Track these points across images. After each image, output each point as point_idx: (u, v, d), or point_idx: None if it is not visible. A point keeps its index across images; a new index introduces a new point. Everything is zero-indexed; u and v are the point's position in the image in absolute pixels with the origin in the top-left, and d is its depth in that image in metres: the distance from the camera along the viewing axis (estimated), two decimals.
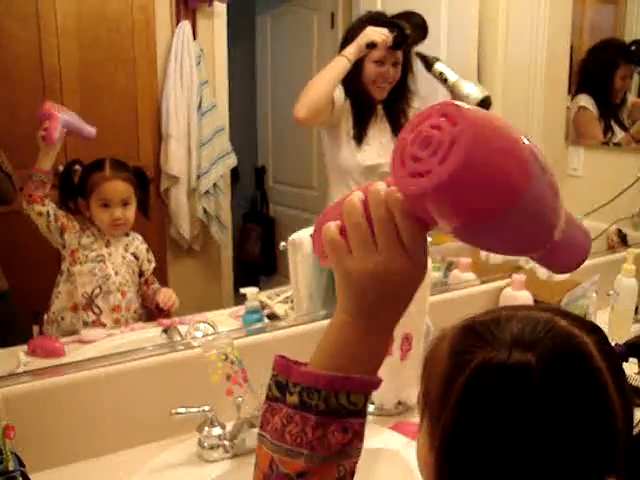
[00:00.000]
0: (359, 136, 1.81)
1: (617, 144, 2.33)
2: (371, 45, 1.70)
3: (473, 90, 1.68)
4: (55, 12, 1.74)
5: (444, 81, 1.71)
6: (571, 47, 2.23)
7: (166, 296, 1.60)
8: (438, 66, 1.72)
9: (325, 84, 1.69)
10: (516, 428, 0.56)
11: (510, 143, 0.50)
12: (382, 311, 0.56)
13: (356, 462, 0.57)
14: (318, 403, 0.53)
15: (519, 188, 0.49)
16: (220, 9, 2.01)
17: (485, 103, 1.68)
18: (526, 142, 0.51)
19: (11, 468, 0.94)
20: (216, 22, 2.02)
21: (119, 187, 1.53)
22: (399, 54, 1.78)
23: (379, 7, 2.18)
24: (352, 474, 0.57)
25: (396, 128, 1.88)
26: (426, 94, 1.93)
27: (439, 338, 0.64)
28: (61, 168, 1.56)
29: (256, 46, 2.70)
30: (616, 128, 2.33)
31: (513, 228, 0.51)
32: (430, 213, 0.52)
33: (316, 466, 0.54)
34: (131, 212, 1.55)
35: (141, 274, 1.61)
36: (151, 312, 1.61)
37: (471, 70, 2.11)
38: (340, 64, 1.70)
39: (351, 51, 1.70)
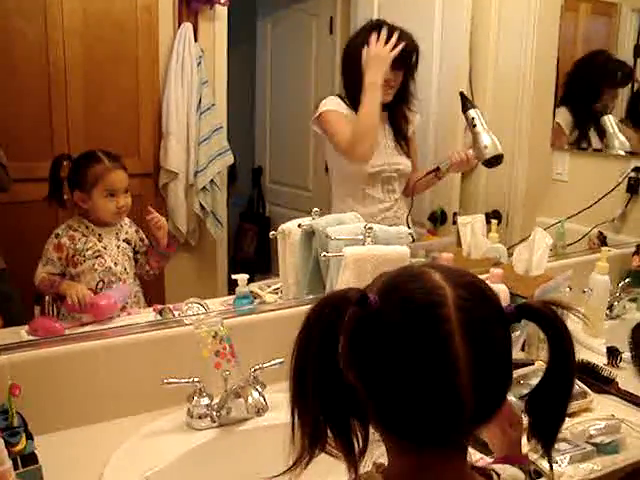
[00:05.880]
0: None
1: (598, 150, 2.39)
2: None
3: (489, 144, 1.79)
4: (62, 10, 1.77)
5: (472, 126, 1.82)
6: (559, 58, 2.30)
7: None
8: (472, 112, 1.83)
9: (375, 117, 1.78)
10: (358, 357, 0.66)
11: None
12: None
13: None
14: None
15: None
16: (221, 12, 2.04)
17: (497, 159, 1.79)
18: None
19: (16, 424, 1.01)
20: (217, 25, 2.06)
21: (122, 176, 1.60)
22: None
23: (376, 13, 2.26)
24: None
25: (397, 131, 1.93)
26: (422, 98, 1.99)
27: None
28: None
29: (256, 49, 2.74)
30: (594, 138, 2.38)
31: None
32: None
33: None
34: (130, 199, 1.61)
35: (136, 253, 1.66)
36: (147, 295, 1.67)
37: (463, 79, 2.18)
38: (378, 92, 1.76)
39: (379, 76, 1.76)
